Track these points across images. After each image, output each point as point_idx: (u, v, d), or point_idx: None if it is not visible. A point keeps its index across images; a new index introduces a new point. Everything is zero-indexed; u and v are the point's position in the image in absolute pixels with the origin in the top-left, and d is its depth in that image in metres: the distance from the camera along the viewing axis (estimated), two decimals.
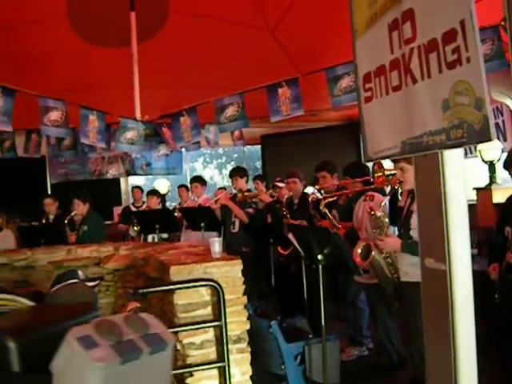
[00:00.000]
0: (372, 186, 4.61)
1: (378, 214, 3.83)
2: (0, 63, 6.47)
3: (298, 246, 4.33)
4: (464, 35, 1.60)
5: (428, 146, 1.86)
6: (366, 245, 3.93)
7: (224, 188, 8.69)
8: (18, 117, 5.18)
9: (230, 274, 3.63)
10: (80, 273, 3.51)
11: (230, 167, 28.42)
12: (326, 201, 4.94)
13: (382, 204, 3.92)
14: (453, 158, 1.88)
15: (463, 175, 1.89)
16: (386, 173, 4.11)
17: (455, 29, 1.65)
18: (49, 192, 9.81)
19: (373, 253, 3.84)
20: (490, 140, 1.52)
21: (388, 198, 4.03)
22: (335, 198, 5.15)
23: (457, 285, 1.85)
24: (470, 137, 1.61)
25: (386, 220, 3.88)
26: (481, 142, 1.58)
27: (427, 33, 1.81)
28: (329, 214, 4.90)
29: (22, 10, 6.22)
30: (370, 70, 2.28)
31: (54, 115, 5.40)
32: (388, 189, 4.17)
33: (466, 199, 1.88)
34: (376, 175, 4.14)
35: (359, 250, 3.93)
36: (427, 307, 2.15)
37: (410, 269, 3.72)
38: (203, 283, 3.48)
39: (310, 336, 4.31)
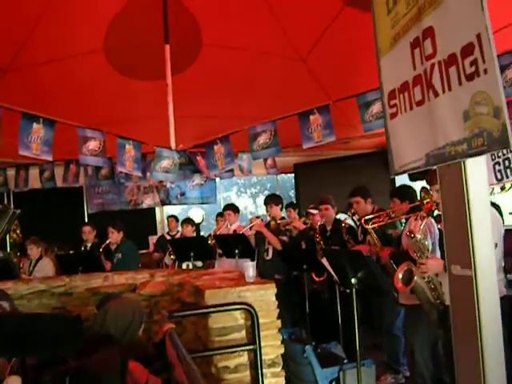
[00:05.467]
0: (420, 212, 4.48)
1: (418, 236, 3.74)
2: (41, 96, 6.74)
3: (331, 271, 4.32)
4: (481, 48, 1.67)
5: (451, 156, 1.92)
6: (407, 269, 3.77)
7: (258, 216, 8.75)
8: (57, 148, 5.36)
9: (264, 297, 3.66)
10: None
11: (263, 197, 28.53)
12: (372, 225, 4.80)
13: (421, 227, 3.83)
14: (475, 166, 1.91)
15: (486, 183, 1.92)
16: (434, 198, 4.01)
17: (472, 43, 1.72)
18: (86, 221, 9.99)
19: (415, 278, 3.69)
20: (508, 147, 1.56)
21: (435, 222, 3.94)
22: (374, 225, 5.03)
23: (483, 290, 1.87)
24: (490, 144, 1.67)
25: (427, 243, 3.81)
26: (500, 149, 1.62)
27: (447, 48, 1.88)
28: (374, 235, 4.77)
29: (62, 45, 6.48)
30: (395, 86, 2.36)
31: (92, 145, 5.57)
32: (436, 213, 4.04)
33: (489, 205, 1.91)
34: (425, 201, 4.04)
35: (400, 275, 3.78)
36: (456, 312, 2.16)
37: None
38: (237, 307, 3.53)
39: (345, 361, 4.27)
